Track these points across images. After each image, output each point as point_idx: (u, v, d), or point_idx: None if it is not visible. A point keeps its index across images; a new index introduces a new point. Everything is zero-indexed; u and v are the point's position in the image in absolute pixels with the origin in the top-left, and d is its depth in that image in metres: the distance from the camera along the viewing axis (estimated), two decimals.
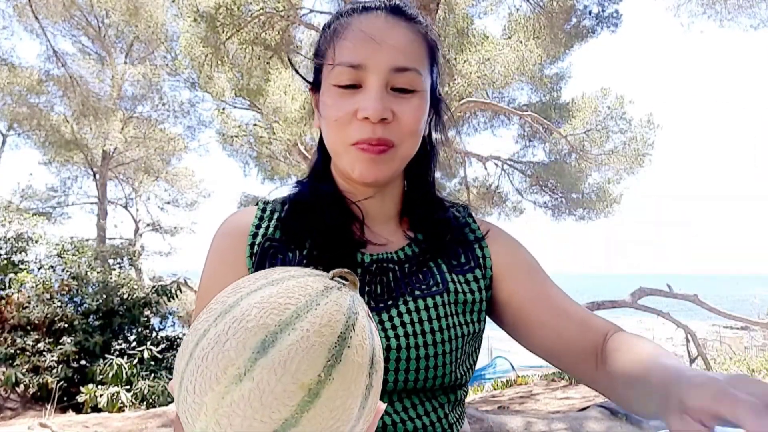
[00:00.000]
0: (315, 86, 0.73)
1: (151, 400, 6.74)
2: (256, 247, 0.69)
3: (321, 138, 0.76)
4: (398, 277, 0.68)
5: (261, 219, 0.73)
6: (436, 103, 0.75)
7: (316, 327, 0.34)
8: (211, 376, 0.33)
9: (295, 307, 0.35)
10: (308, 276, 0.38)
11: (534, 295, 0.71)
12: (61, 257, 8.52)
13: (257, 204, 0.76)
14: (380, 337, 0.57)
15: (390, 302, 0.66)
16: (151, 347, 7.56)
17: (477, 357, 0.73)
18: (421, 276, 0.69)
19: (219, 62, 7.64)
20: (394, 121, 0.65)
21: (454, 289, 0.69)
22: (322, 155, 0.77)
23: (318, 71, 0.72)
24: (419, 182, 0.77)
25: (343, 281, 0.40)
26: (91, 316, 7.95)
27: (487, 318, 0.75)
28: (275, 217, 0.73)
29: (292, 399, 0.32)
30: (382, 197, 0.73)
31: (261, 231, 0.71)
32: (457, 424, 0.69)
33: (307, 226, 0.69)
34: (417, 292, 0.67)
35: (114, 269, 9.37)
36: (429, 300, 0.67)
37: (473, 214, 0.81)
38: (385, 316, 0.64)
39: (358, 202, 0.72)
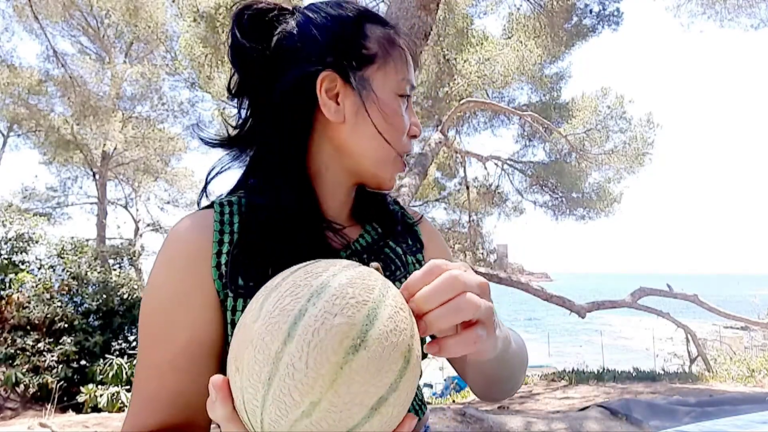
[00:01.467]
0: (348, 78, 0.65)
1: None
2: (223, 256, 0.62)
3: (304, 128, 0.67)
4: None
5: (222, 223, 0.65)
6: None
7: (399, 303, 0.40)
8: (327, 349, 0.35)
9: (378, 288, 0.39)
10: (362, 265, 0.43)
11: None
12: (61, 257, 8.52)
13: (211, 205, 0.68)
14: None
15: None
16: None
17: None
18: (381, 263, 0.70)
19: (219, 62, 7.63)
20: None
21: (414, 270, 0.71)
22: (297, 149, 0.67)
23: (357, 66, 0.66)
24: None
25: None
26: (91, 316, 7.96)
27: None
28: (236, 220, 0.66)
29: (396, 364, 0.37)
30: (351, 196, 0.75)
31: (226, 237, 0.64)
32: (425, 401, 0.75)
33: (280, 234, 0.63)
34: None
35: (114, 269, 9.37)
36: (396, 284, 0.65)
37: (400, 203, 0.86)
38: None
39: (333, 202, 0.71)
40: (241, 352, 0.38)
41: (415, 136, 0.71)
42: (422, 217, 0.83)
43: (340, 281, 0.38)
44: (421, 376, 0.45)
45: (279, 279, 0.41)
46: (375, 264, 0.45)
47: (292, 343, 0.36)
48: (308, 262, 0.42)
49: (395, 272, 0.70)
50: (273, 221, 0.63)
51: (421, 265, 0.74)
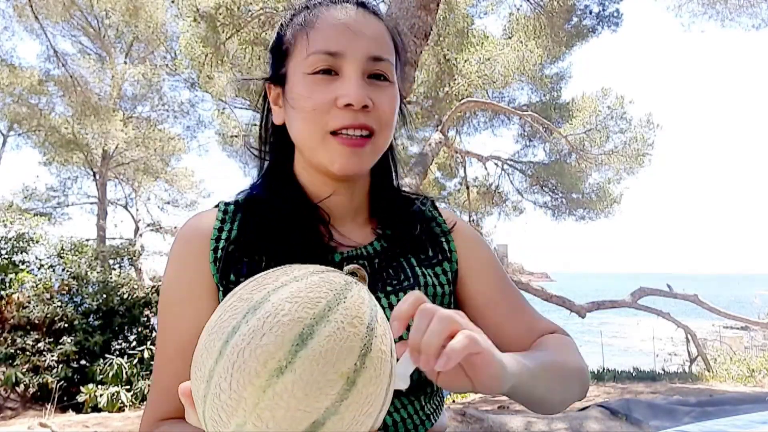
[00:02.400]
0: (277, 80, 0.70)
1: None
2: (219, 251, 0.66)
3: (274, 135, 0.74)
4: (368, 273, 0.67)
5: (223, 221, 0.70)
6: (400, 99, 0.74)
7: (348, 319, 0.36)
8: (249, 371, 0.33)
9: (326, 301, 0.36)
10: (328, 272, 0.40)
11: (495, 295, 0.73)
12: (61, 257, 8.52)
13: (217, 205, 0.73)
14: None
15: None
16: (151, 347, 7.55)
17: None
18: (391, 271, 0.69)
19: (219, 62, 7.63)
20: (374, 109, 0.64)
21: (424, 282, 0.69)
22: (277, 154, 0.74)
23: (280, 64, 0.69)
24: (384, 177, 0.77)
25: (356, 277, 0.42)
26: (91, 316, 7.95)
27: None
28: (237, 218, 0.70)
29: (333, 388, 0.34)
30: (350, 193, 0.71)
31: (224, 234, 0.68)
32: (434, 414, 0.69)
33: (271, 231, 0.66)
34: (389, 288, 0.67)
35: (114, 269, 9.36)
36: (401, 295, 0.66)
37: (437, 205, 0.81)
38: None
39: (324, 201, 0.70)
40: (193, 363, 0.38)
41: (348, 106, 0.62)
42: (455, 225, 0.77)
43: (281, 295, 0.36)
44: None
45: (239, 287, 0.40)
46: (350, 267, 0.42)
47: (222, 362, 0.34)
48: (270, 270, 0.40)
49: (402, 282, 0.68)
50: (266, 219, 0.67)
51: (438, 279, 0.71)
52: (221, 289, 0.64)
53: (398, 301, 0.64)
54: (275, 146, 0.74)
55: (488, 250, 0.78)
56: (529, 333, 0.71)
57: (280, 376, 0.33)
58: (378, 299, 0.65)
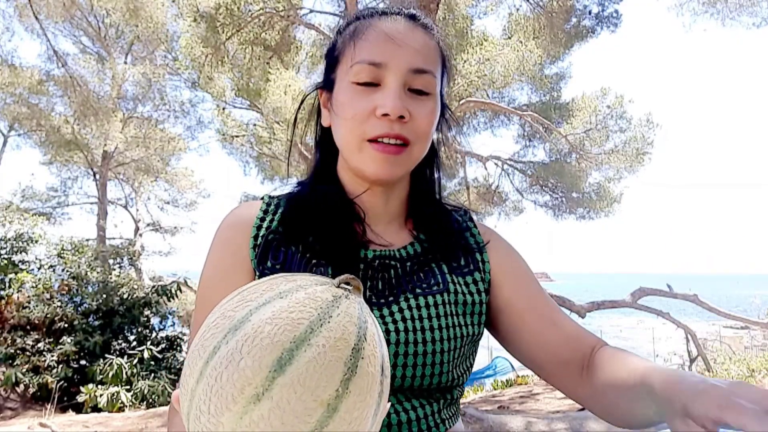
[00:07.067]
0: (327, 85, 0.75)
1: (151, 400, 6.73)
2: (259, 239, 0.70)
3: (322, 137, 0.80)
4: (399, 275, 0.70)
5: (266, 212, 0.74)
6: (442, 108, 0.77)
7: (331, 342, 0.34)
8: (227, 396, 0.32)
9: (308, 322, 0.34)
10: (316, 285, 0.38)
11: (529, 305, 0.74)
12: (61, 257, 8.52)
13: (263, 198, 0.78)
14: None
15: (390, 298, 0.68)
16: (151, 347, 7.56)
17: (474, 359, 0.74)
18: (422, 275, 0.71)
19: (219, 62, 7.63)
20: (411, 121, 0.67)
21: (454, 289, 0.71)
22: (324, 154, 0.79)
23: (330, 70, 0.74)
24: (424, 184, 0.80)
25: (348, 287, 0.40)
26: (91, 316, 7.95)
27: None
28: (279, 211, 0.74)
29: (312, 416, 0.32)
30: (387, 196, 0.75)
31: (265, 224, 0.72)
32: (450, 420, 0.70)
33: (309, 223, 0.70)
34: (417, 290, 0.69)
35: (114, 269, 9.37)
36: (429, 298, 0.68)
37: (474, 218, 0.83)
38: (385, 311, 0.66)
39: (362, 201, 0.73)
40: (182, 373, 0.38)
41: (385, 115, 0.65)
42: (490, 241, 0.79)
43: (262, 316, 0.35)
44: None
45: (224, 301, 0.39)
46: (344, 277, 0.40)
47: (202, 383, 0.34)
48: (258, 282, 0.40)
49: (432, 287, 0.70)
50: (305, 213, 0.72)
51: (468, 288, 0.72)
52: (257, 273, 0.68)
53: (426, 304, 0.68)
54: (322, 147, 0.79)
55: (522, 261, 0.79)
56: (572, 342, 0.70)
57: (257, 403, 0.32)
58: (406, 299, 0.68)
